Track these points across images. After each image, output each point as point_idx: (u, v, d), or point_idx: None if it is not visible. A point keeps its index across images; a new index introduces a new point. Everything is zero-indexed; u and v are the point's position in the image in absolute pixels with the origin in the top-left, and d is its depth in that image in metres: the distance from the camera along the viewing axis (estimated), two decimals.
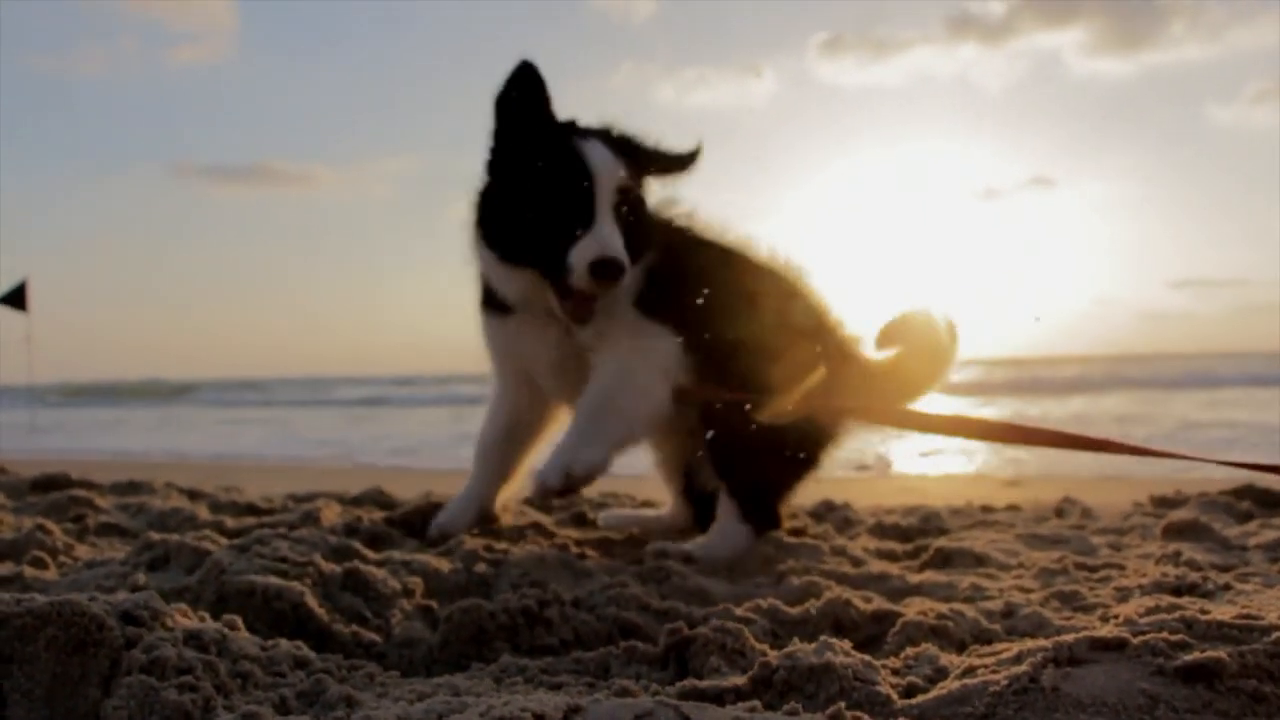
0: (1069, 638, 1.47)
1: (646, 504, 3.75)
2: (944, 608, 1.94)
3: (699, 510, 3.01)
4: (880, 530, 3.28)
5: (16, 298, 14.18)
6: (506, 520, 3.02)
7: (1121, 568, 2.55)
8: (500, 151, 2.59)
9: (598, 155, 2.48)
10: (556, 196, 2.46)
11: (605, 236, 2.42)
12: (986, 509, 3.93)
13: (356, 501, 3.65)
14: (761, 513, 2.77)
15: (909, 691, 1.45)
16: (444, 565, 2.36)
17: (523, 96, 2.54)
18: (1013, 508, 3.95)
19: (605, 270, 2.39)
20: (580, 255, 2.41)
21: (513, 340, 2.76)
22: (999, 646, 1.63)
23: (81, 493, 3.55)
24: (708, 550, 2.61)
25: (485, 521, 2.96)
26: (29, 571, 2.27)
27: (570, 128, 2.58)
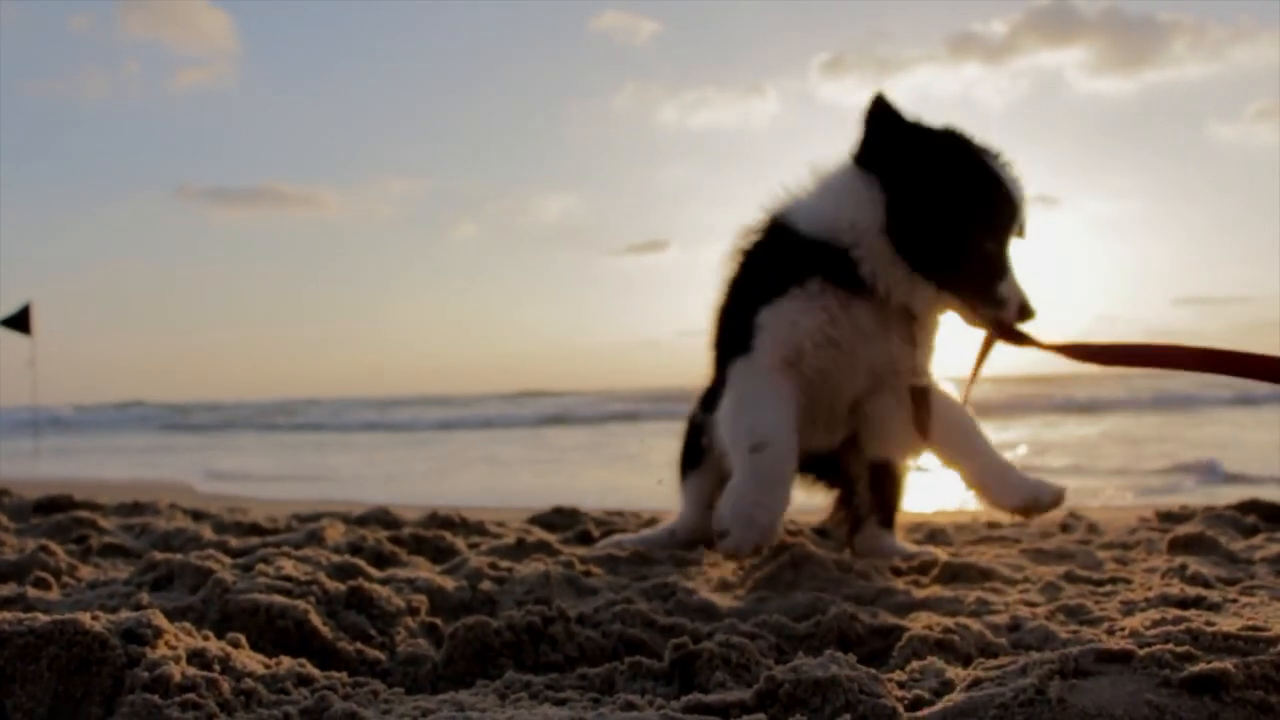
0: (1075, 650, 1.46)
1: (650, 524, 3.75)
2: (949, 622, 1.93)
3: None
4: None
5: (20, 321, 14.23)
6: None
7: (1127, 581, 2.54)
8: (927, 168, 2.61)
9: (1021, 190, 2.64)
10: (996, 228, 2.62)
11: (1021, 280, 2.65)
12: (992, 524, 3.93)
13: (361, 521, 3.65)
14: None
15: (915, 705, 1.45)
16: (448, 583, 2.36)
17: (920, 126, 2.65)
18: (1018, 523, 3.94)
19: (1027, 314, 2.64)
20: (1015, 292, 2.63)
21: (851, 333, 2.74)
22: (1005, 659, 1.63)
23: (85, 514, 3.55)
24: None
25: None
26: (32, 592, 2.27)
27: (992, 154, 2.66)
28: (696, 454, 3.24)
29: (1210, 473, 7.12)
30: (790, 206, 2.81)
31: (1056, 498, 2.60)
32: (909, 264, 2.61)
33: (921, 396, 2.78)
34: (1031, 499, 2.60)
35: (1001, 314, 2.63)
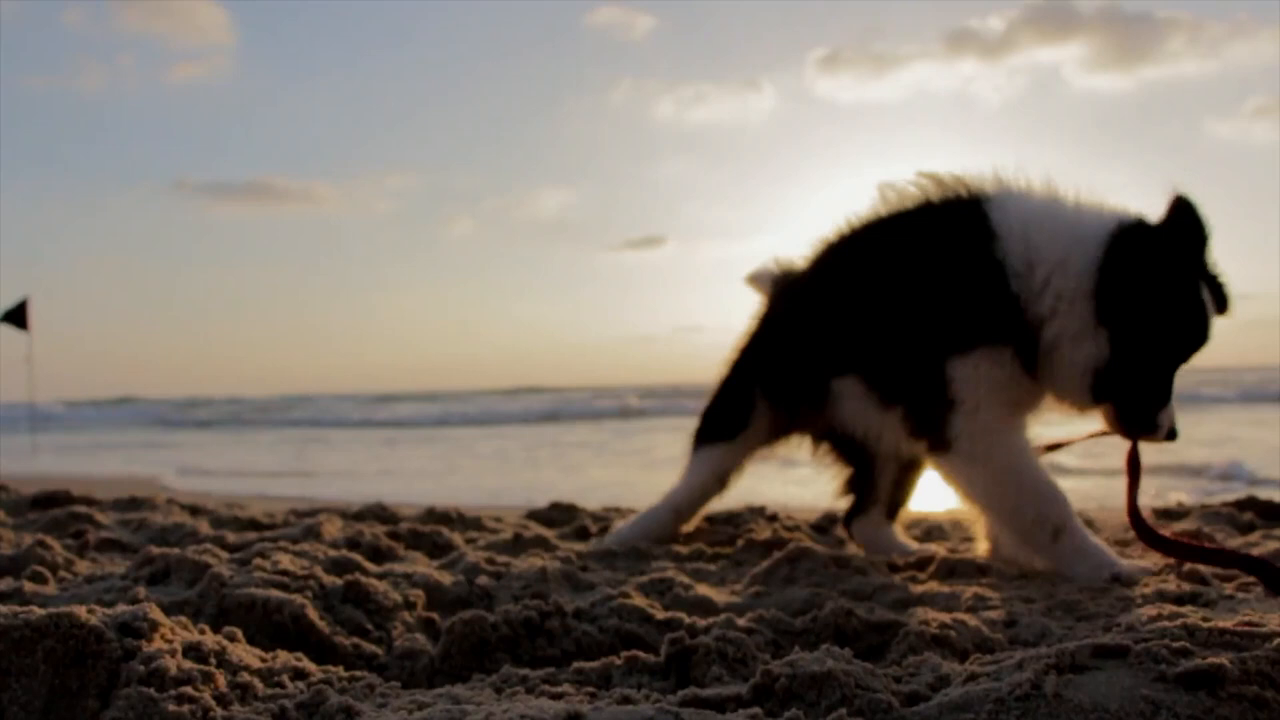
0: (1071, 644, 1.46)
1: None
2: (946, 617, 1.93)
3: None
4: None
5: (17, 316, 14.21)
6: None
7: None
8: (1151, 283, 2.43)
9: (1211, 324, 2.49)
10: (1181, 356, 2.49)
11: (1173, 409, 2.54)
12: None
13: (358, 516, 3.65)
14: None
15: (911, 699, 1.44)
16: (445, 578, 2.36)
17: (1187, 243, 2.44)
18: None
19: (1172, 438, 2.55)
20: (1167, 418, 2.53)
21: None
22: (1001, 655, 1.63)
23: (82, 509, 3.55)
24: None
25: None
26: (28, 586, 2.27)
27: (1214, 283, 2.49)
28: (738, 419, 3.13)
29: (1234, 476, 6.97)
30: (1011, 221, 2.54)
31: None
32: (1084, 376, 2.49)
33: None
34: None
35: (1154, 439, 2.54)
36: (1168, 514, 3.77)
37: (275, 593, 2.01)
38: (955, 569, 2.67)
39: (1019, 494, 2.54)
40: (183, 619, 1.74)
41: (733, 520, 3.63)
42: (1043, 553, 2.55)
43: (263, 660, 1.67)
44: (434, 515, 3.66)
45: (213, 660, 1.58)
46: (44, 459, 12.66)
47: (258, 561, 2.27)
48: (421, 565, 2.64)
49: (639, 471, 9.22)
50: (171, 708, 1.40)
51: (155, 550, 2.44)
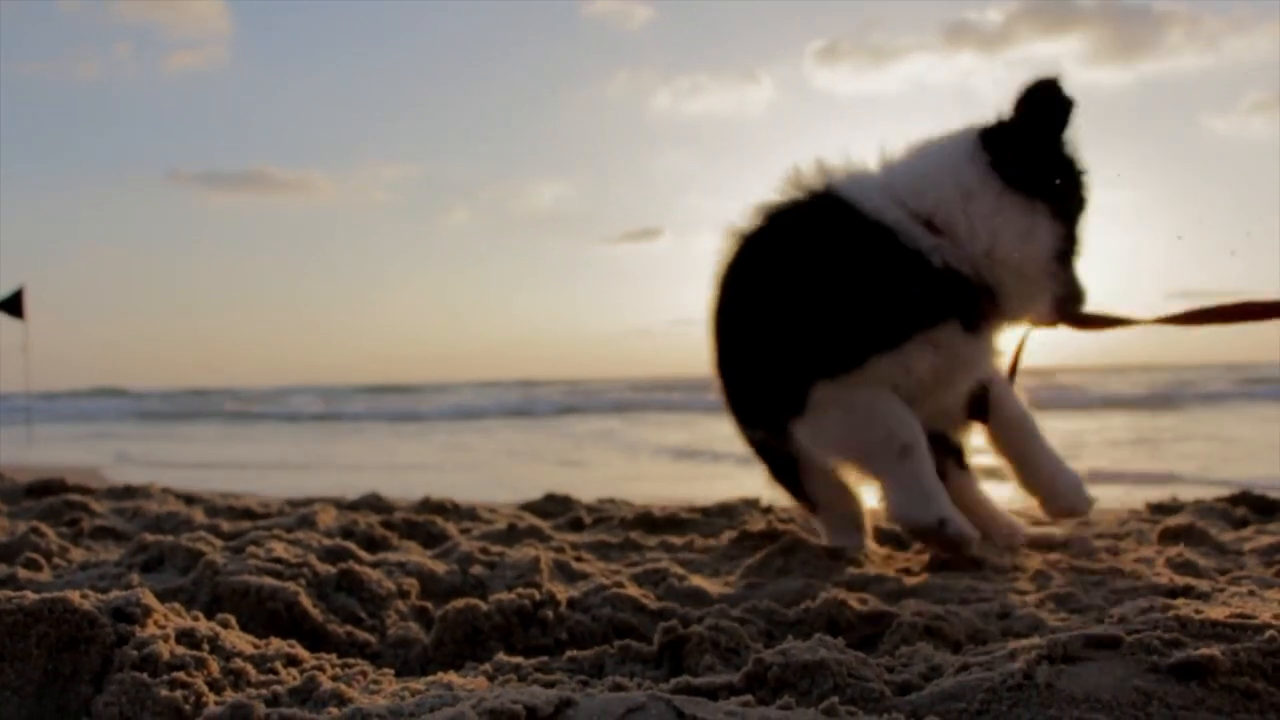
0: (1064, 635, 1.47)
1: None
2: (939, 609, 1.94)
3: None
4: (877, 533, 3.27)
5: (13, 305, 14.16)
6: None
7: (1118, 571, 2.55)
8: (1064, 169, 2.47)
9: None
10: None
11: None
12: None
13: (353, 506, 3.65)
14: None
15: (903, 688, 1.45)
16: (439, 567, 2.36)
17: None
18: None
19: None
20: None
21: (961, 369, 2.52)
22: (994, 645, 1.63)
23: (76, 497, 3.54)
24: None
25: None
26: (22, 573, 2.27)
27: None
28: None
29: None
30: (892, 208, 2.41)
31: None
32: (1058, 278, 2.44)
33: (983, 394, 2.64)
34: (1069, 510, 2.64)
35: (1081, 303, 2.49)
36: (1161, 509, 3.78)
37: (269, 580, 2.01)
38: (948, 561, 2.67)
39: (870, 416, 2.47)
40: (176, 605, 1.74)
41: (727, 512, 3.63)
42: (887, 474, 2.49)
43: (256, 647, 1.67)
44: (429, 505, 3.66)
45: (206, 646, 1.58)
46: None
47: (252, 549, 2.28)
48: (416, 554, 2.64)
49: (635, 464, 9.23)
50: (164, 693, 1.40)
51: (149, 537, 2.44)
